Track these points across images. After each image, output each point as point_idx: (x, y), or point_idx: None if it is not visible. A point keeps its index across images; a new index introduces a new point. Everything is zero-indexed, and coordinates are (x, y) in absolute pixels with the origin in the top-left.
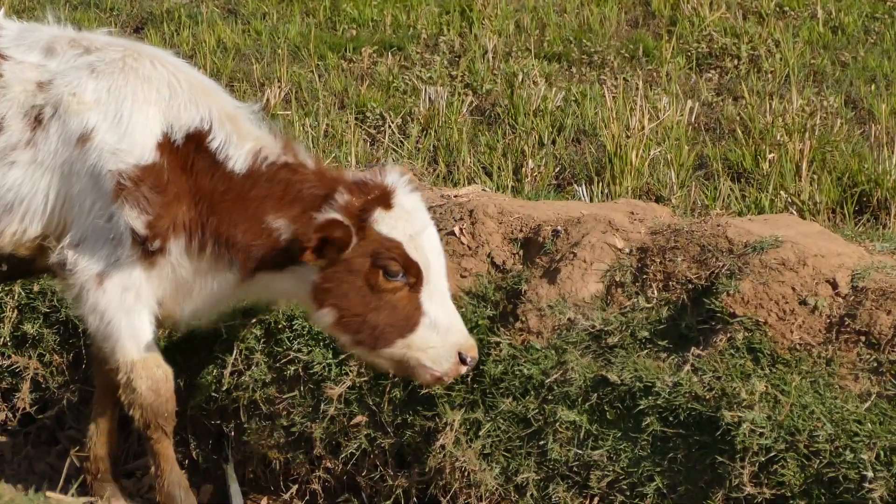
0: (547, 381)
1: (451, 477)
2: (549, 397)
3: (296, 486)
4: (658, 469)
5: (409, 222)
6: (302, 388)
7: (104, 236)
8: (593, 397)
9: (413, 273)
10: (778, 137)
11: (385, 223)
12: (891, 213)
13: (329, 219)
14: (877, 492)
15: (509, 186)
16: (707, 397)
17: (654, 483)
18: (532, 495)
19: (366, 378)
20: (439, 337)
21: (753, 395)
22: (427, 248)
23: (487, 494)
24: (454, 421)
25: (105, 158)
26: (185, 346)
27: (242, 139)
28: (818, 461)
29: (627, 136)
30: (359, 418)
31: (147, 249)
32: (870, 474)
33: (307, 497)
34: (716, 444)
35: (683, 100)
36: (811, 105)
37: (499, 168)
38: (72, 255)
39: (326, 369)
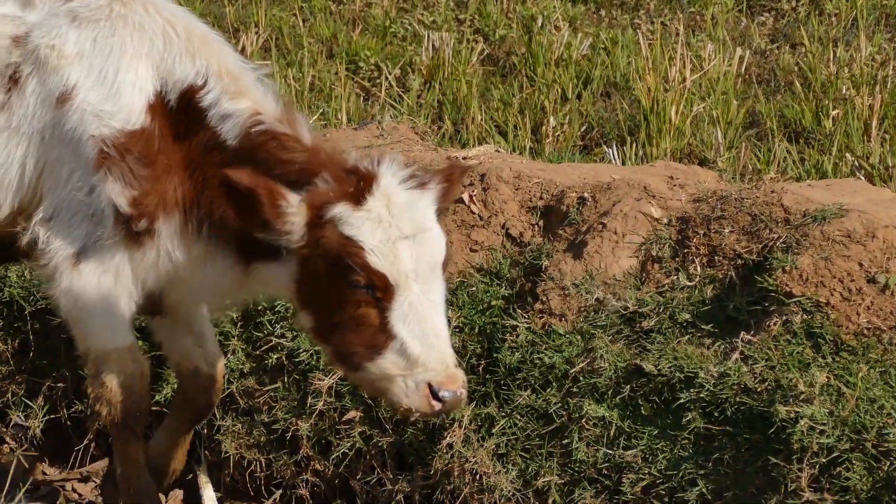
0: (572, 372)
1: (461, 480)
2: (574, 389)
3: (279, 492)
4: (701, 472)
5: (386, 223)
6: (286, 380)
7: (82, 212)
8: (626, 390)
9: (379, 287)
10: (843, 91)
11: (349, 222)
12: None
13: (266, 181)
14: None
15: (527, 148)
16: (759, 390)
17: (697, 488)
18: (554, 501)
19: None
20: (406, 365)
21: (813, 388)
22: (413, 258)
23: (503, 500)
24: (464, 417)
25: (87, 121)
26: (149, 331)
27: (238, 98)
28: (889, 463)
29: (666, 90)
30: (352, 414)
31: (132, 230)
32: None
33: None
34: (769, 443)
35: (732, 47)
36: (882, 53)
37: (515, 127)
38: (44, 233)
39: (314, 357)
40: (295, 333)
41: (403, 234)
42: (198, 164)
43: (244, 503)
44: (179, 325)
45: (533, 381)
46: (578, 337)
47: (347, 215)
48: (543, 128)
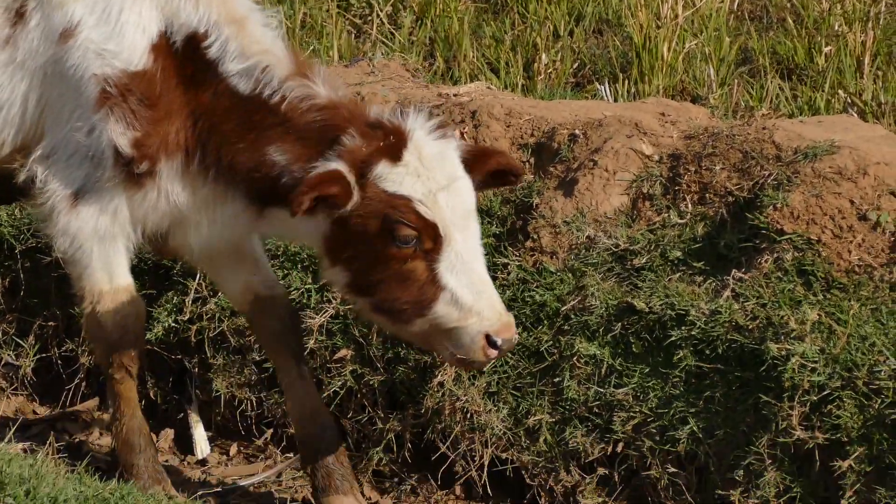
0: (563, 309)
1: (451, 419)
2: (566, 327)
3: (270, 431)
4: (692, 410)
5: (424, 176)
6: None
7: (81, 152)
8: (617, 328)
9: (428, 237)
10: (836, 27)
11: (390, 178)
12: None
13: (327, 172)
14: None
15: (519, 85)
16: (750, 327)
17: (688, 426)
18: (545, 440)
19: (351, 306)
20: (461, 316)
21: (804, 325)
22: (450, 208)
23: (494, 439)
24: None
25: (89, 59)
26: (140, 269)
27: (247, 49)
28: (880, 401)
29: (658, 27)
30: (343, 352)
31: (132, 172)
32: None
33: (283, 443)
34: (760, 381)
35: None
36: None
37: (507, 64)
38: (42, 171)
39: (305, 295)
40: (286, 271)
41: (440, 185)
42: (205, 110)
43: (235, 442)
44: (231, 260)
45: (524, 319)
46: (569, 275)
47: (388, 172)
48: (535, 65)
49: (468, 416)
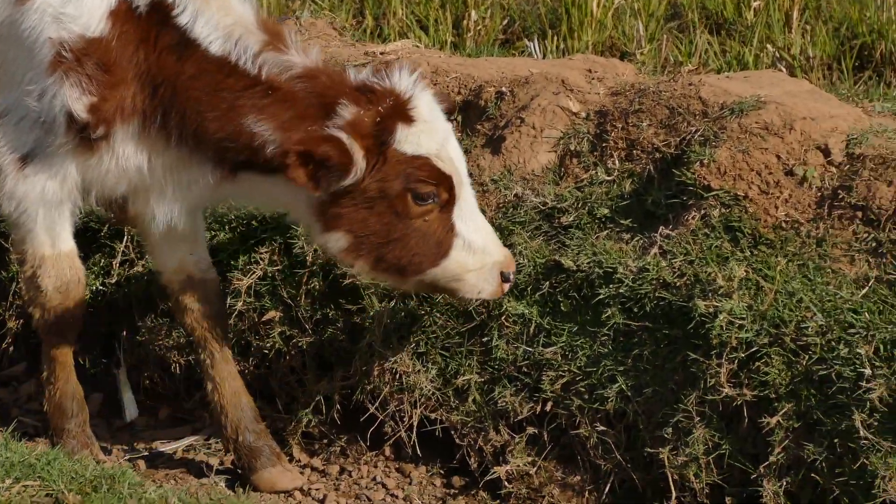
0: None
1: (381, 380)
2: None
3: (199, 394)
4: (621, 368)
5: (433, 133)
6: None
7: (32, 117)
8: (545, 286)
9: (445, 189)
10: None
11: (409, 140)
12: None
13: (320, 134)
14: (875, 391)
15: (448, 42)
16: (678, 284)
17: (617, 384)
18: (474, 400)
19: (279, 267)
20: (476, 258)
21: (731, 282)
22: (455, 158)
23: (423, 400)
24: (383, 316)
25: (45, 22)
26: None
27: (218, 15)
28: (807, 357)
29: None
30: (271, 314)
31: (86, 137)
32: (867, 371)
33: (212, 405)
34: (688, 338)
35: None
36: None
37: (436, 21)
38: None
39: (233, 256)
40: (214, 232)
41: (444, 137)
42: (169, 76)
43: (164, 405)
44: (173, 234)
45: None
46: (497, 233)
47: (406, 135)
48: (465, 22)
49: (397, 376)
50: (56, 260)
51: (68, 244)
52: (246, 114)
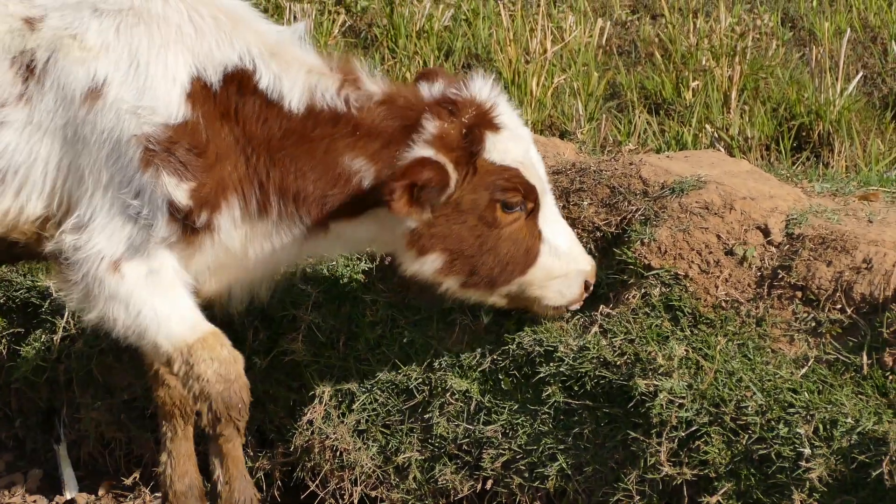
0: (432, 346)
1: (321, 457)
2: (436, 365)
3: (139, 470)
4: (561, 447)
5: (518, 140)
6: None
7: (126, 215)
8: (486, 363)
9: (532, 198)
10: (703, 62)
11: (497, 149)
12: (833, 150)
13: (414, 159)
14: (815, 471)
15: None
16: (618, 363)
17: (557, 463)
18: (415, 478)
19: None
20: (562, 264)
21: (672, 361)
22: (537, 164)
23: (363, 477)
24: (324, 393)
25: (125, 120)
26: (7, 307)
27: (293, 72)
28: (747, 436)
29: (527, 62)
30: None
31: (190, 226)
32: (807, 451)
33: (152, 483)
34: (628, 417)
35: (593, 18)
36: (742, 24)
37: None
38: (72, 240)
39: None
40: None
41: (527, 144)
42: (259, 142)
43: (104, 481)
44: None
45: (394, 356)
46: (438, 311)
47: (494, 144)
48: None
49: (337, 454)
50: (205, 343)
51: (207, 323)
52: (342, 153)
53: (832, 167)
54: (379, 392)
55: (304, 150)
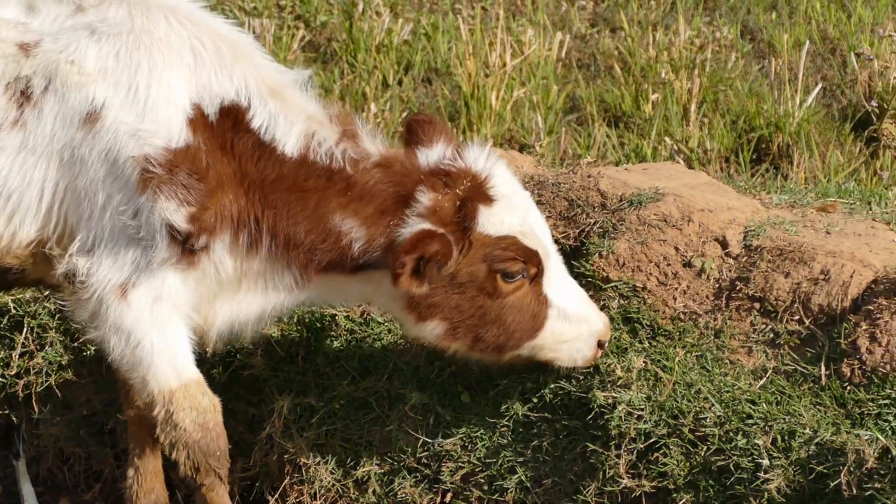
0: (391, 360)
1: (280, 471)
2: (394, 378)
3: (99, 485)
4: (520, 459)
5: (514, 209)
6: (104, 372)
7: (127, 237)
8: (445, 377)
9: (534, 264)
10: (662, 75)
11: (492, 222)
12: (793, 162)
13: (420, 231)
14: (773, 482)
15: None
16: (577, 376)
17: (516, 476)
18: (374, 491)
19: None
20: (572, 327)
21: (630, 373)
22: (538, 229)
23: (323, 491)
24: (283, 407)
25: (122, 142)
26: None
27: (291, 117)
28: (705, 448)
29: (486, 75)
30: None
31: (189, 248)
32: (765, 462)
33: (112, 497)
34: (587, 429)
35: (552, 32)
36: (701, 37)
37: None
38: (84, 263)
39: None
40: None
41: (525, 210)
42: (254, 182)
43: (64, 496)
44: None
45: (352, 370)
46: (397, 325)
47: (488, 216)
48: (365, 114)
49: (297, 468)
50: (186, 391)
51: (194, 370)
52: (333, 211)
53: (791, 179)
54: (338, 406)
55: (297, 197)
